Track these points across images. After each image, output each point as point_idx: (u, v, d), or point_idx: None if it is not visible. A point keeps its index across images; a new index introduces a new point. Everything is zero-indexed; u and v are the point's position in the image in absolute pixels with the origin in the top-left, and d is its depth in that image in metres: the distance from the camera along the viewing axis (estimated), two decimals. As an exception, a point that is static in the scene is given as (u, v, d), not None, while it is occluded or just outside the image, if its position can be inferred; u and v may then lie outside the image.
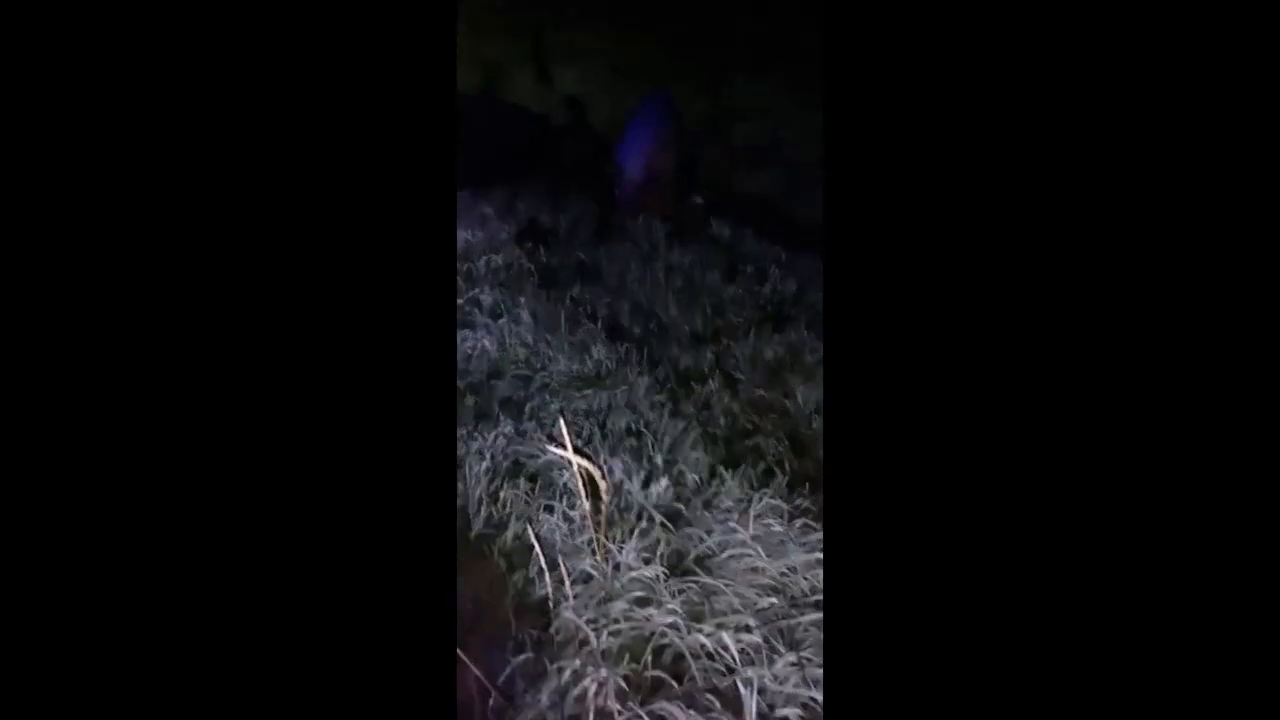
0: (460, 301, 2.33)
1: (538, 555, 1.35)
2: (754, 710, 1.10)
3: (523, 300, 2.39)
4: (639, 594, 1.29)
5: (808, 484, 1.69)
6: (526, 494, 1.54)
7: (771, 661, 1.17)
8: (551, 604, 1.32)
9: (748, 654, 1.19)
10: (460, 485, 1.59)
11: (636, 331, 2.47)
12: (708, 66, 3.92)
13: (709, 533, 1.47)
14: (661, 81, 3.67)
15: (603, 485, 1.34)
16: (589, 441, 1.79)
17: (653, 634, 1.22)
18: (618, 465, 1.67)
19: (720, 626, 1.22)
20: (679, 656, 1.20)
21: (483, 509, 1.54)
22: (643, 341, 2.40)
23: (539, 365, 2.08)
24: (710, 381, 2.19)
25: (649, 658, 1.18)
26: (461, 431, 1.73)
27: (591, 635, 1.20)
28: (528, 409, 1.86)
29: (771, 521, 1.49)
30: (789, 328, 2.58)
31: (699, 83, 3.92)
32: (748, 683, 1.12)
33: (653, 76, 3.79)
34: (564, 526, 1.44)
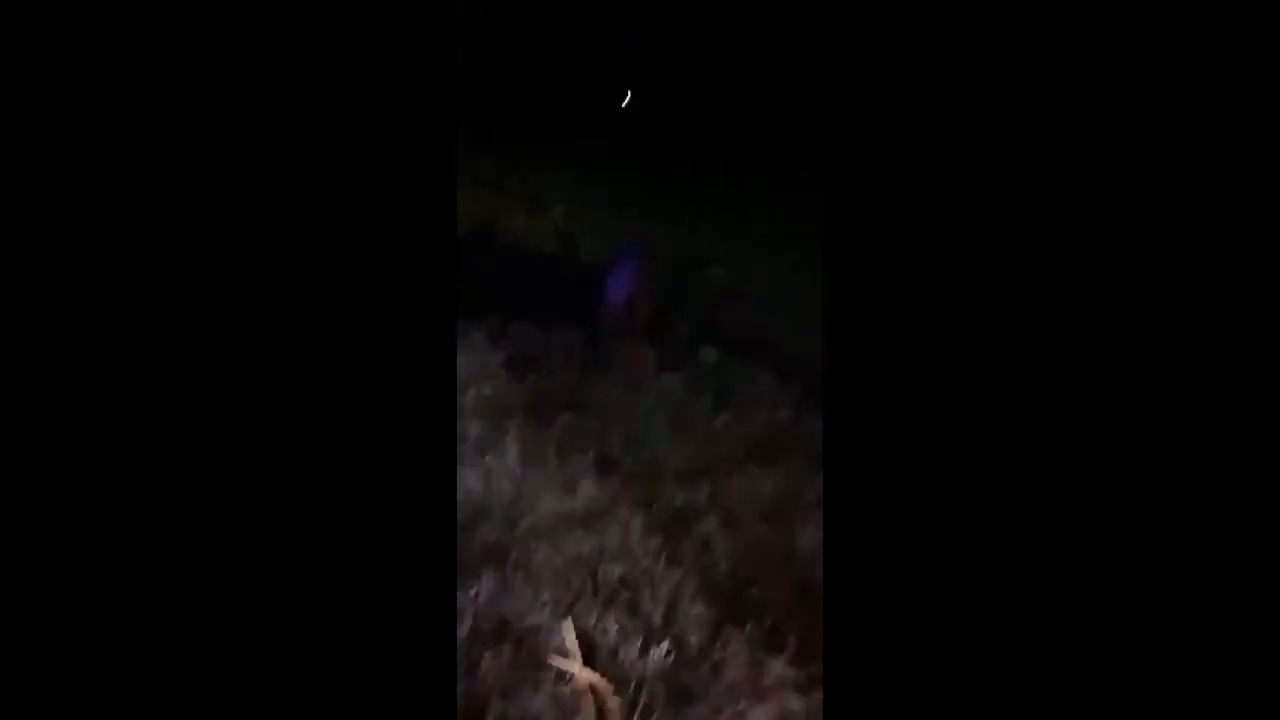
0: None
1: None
2: None
3: (510, 432, 2.30)
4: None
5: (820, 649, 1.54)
6: (510, 664, 1.37)
7: None
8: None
9: None
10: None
11: (627, 463, 2.37)
12: (689, 208, 4.17)
13: (718, 713, 1.30)
14: (647, 218, 3.86)
15: (611, 706, 1.15)
16: (579, 596, 1.63)
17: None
18: (611, 625, 1.51)
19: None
20: None
21: (460, 682, 1.36)
22: (634, 477, 2.29)
23: (525, 506, 1.95)
24: (707, 521, 2.07)
25: None
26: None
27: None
28: (513, 558, 1.72)
29: (788, 697, 1.32)
30: (785, 459, 2.51)
31: (679, 223, 4.14)
32: None
33: (638, 213, 3.99)
34: (552, 711, 1.26)
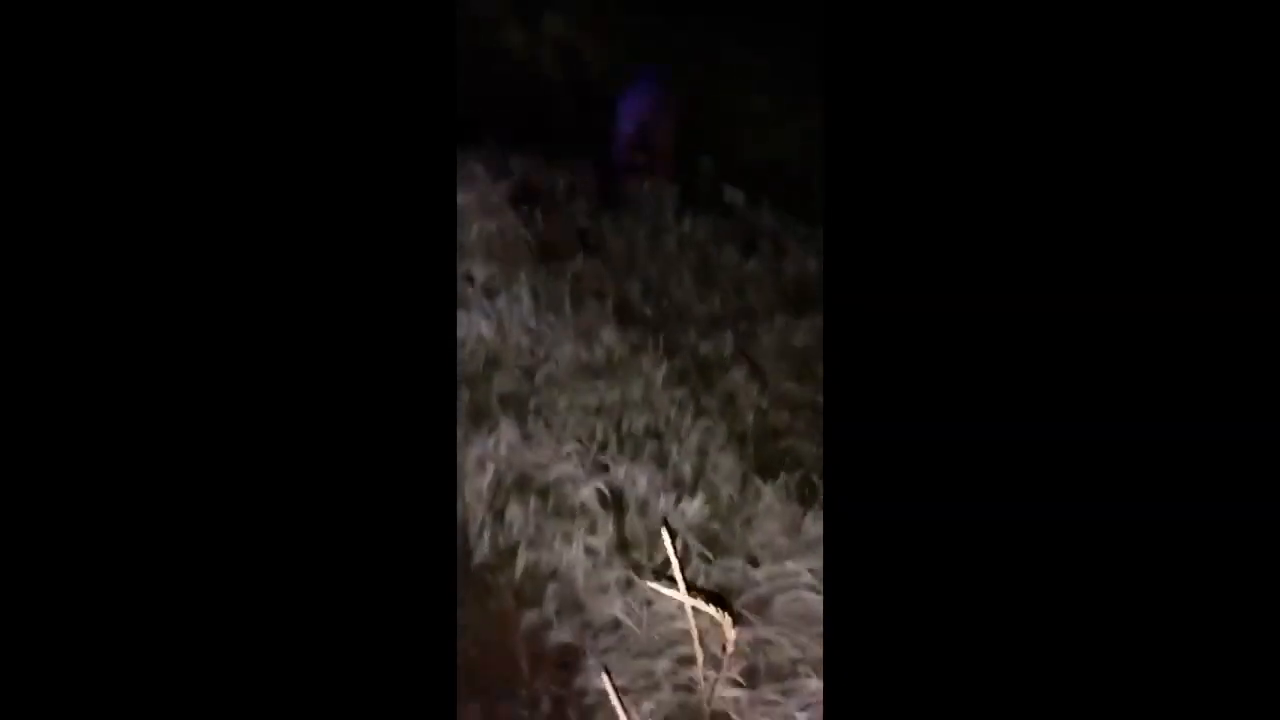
0: (450, 276, 2.04)
1: (555, 593, 1.12)
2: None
3: (522, 276, 2.10)
4: (682, 649, 1.07)
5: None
6: (537, 514, 1.30)
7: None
8: (575, 655, 1.10)
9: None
10: (457, 502, 1.34)
11: (648, 314, 2.20)
12: (707, 28, 3.59)
13: (754, 563, 1.25)
14: (658, 40, 3.34)
15: (729, 637, 0.99)
16: (605, 446, 1.55)
17: (700, 701, 1.00)
18: (641, 477, 1.43)
19: (785, 694, 1.01)
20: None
21: (485, 532, 1.30)
22: (656, 325, 2.14)
23: (543, 354, 1.81)
24: (734, 372, 1.95)
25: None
26: (457, 435, 1.48)
27: (622, 713, 0.99)
28: (533, 404, 1.61)
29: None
30: (814, 311, 2.35)
31: (697, 44, 3.59)
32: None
33: (649, 34, 3.44)
34: (585, 561, 1.21)
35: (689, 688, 1.04)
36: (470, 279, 2.12)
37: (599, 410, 1.67)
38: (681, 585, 0.97)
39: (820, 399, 1.92)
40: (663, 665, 1.06)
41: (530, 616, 1.16)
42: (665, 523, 1.24)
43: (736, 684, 1.03)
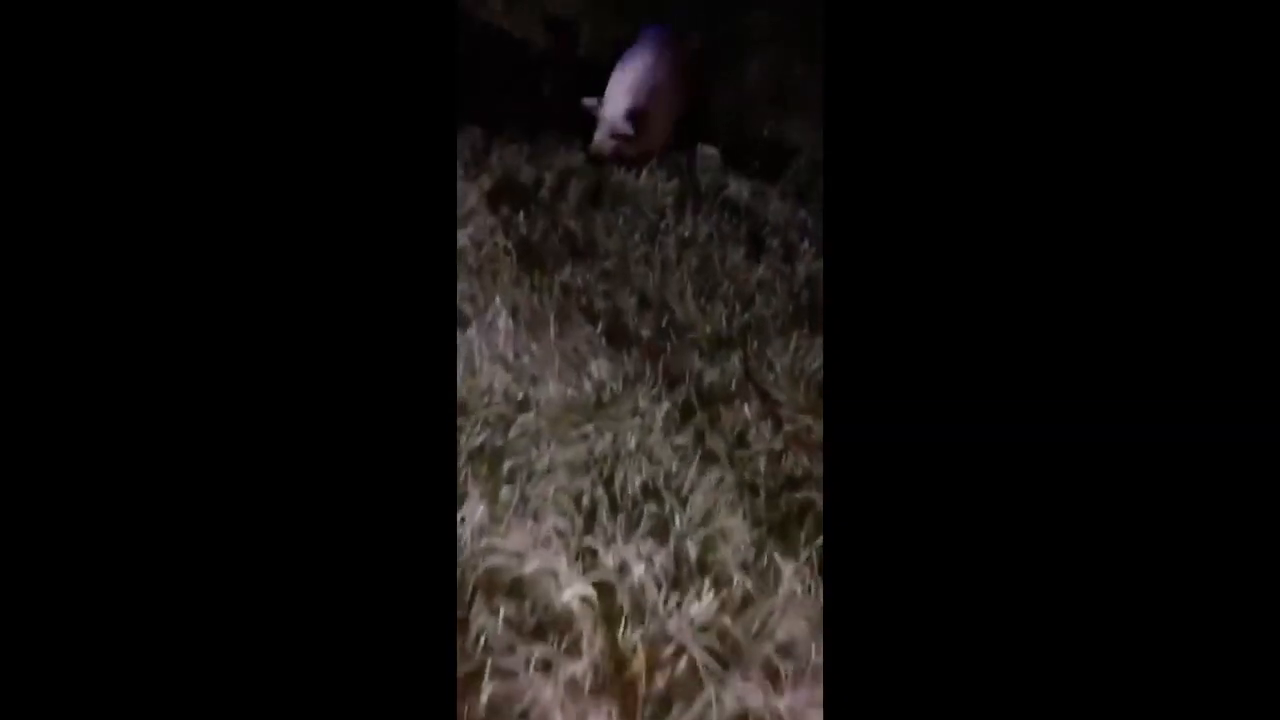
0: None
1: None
2: None
3: (497, 297, 1.83)
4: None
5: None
6: (509, 625, 1.07)
7: None
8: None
9: None
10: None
11: (645, 334, 1.94)
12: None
13: (776, 684, 1.02)
14: (656, 4, 2.99)
15: None
16: (593, 517, 1.30)
17: None
18: (635, 561, 1.19)
19: None
20: None
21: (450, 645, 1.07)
22: (654, 347, 1.88)
23: (522, 395, 1.56)
24: (744, 405, 1.70)
25: None
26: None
27: None
28: (506, 468, 1.36)
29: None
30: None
31: (699, 9, 3.23)
32: None
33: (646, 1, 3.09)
34: (563, 694, 0.98)
35: None
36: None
37: (587, 465, 1.43)
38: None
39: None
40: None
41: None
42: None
43: None
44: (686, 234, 2.40)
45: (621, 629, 1.03)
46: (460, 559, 1.16)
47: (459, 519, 1.23)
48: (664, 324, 1.99)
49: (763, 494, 1.48)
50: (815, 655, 1.09)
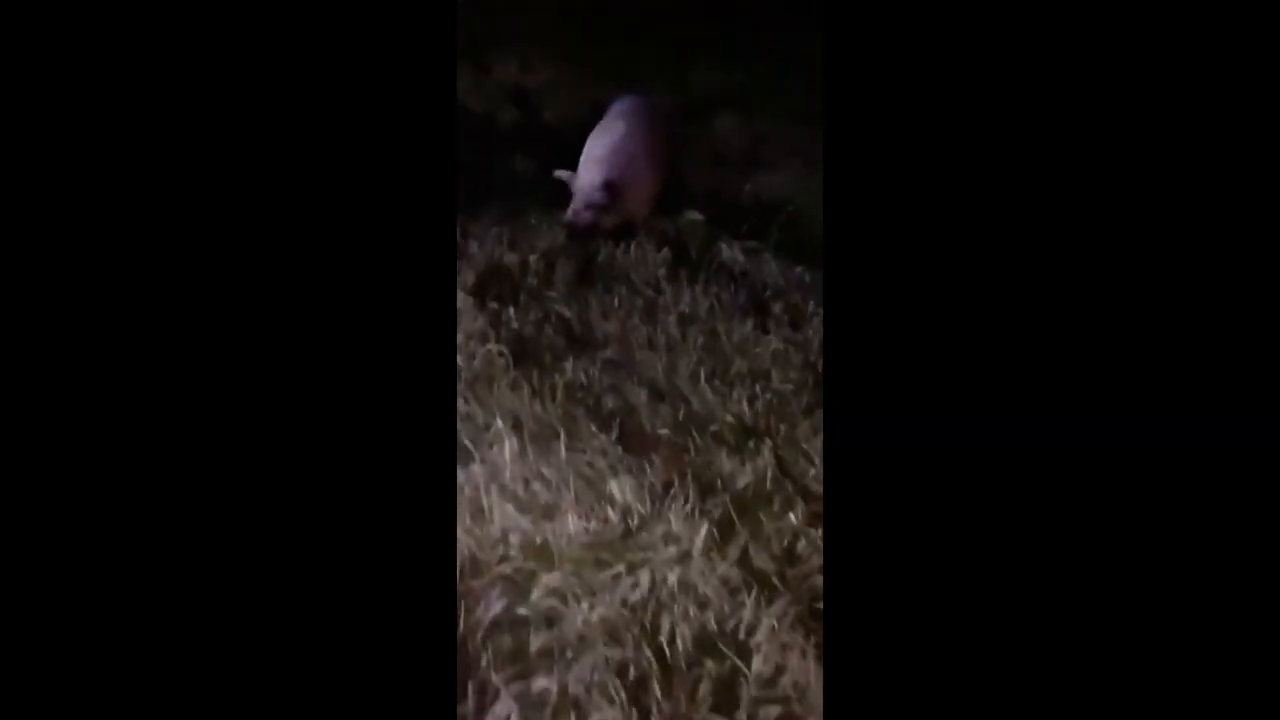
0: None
1: None
2: None
3: (497, 415, 1.64)
4: None
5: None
6: None
7: None
8: None
9: None
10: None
11: (663, 432, 1.76)
12: (675, 52, 3.18)
13: None
14: (623, 70, 2.91)
15: None
16: (643, 685, 1.09)
17: None
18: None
19: None
20: None
21: None
22: (676, 449, 1.70)
23: (535, 539, 1.35)
24: (789, 512, 1.51)
25: None
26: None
27: None
28: (535, 648, 1.14)
29: None
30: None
31: (666, 72, 3.17)
32: None
33: (613, 66, 3.02)
34: None
35: None
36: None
37: (627, 622, 1.22)
38: None
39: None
40: None
41: None
42: None
43: None
44: (686, 309, 2.24)
45: None
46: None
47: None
48: (681, 418, 1.81)
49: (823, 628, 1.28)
50: None
